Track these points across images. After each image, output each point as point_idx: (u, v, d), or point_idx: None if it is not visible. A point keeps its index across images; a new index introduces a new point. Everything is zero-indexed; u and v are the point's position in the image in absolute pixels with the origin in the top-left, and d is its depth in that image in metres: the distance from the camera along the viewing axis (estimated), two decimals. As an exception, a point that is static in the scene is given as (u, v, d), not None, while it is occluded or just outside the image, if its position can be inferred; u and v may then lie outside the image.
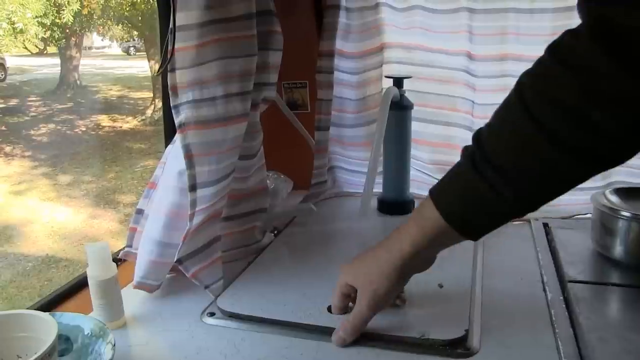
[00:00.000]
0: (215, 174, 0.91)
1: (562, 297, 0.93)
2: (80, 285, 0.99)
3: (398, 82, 1.28)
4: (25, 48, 9.78)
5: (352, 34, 1.34)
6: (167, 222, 0.92)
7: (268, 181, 1.20)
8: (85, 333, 0.76)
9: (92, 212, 5.62)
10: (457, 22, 1.28)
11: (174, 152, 0.94)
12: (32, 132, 8.16)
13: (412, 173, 1.37)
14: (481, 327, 0.84)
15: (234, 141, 0.93)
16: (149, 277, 0.94)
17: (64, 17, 7.39)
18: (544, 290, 0.96)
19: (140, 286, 0.94)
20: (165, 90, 1.01)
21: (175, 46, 0.85)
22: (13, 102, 9.81)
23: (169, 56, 0.85)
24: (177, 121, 0.87)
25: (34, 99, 9.97)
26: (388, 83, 1.30)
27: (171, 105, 0.87)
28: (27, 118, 8.86)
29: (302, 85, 1.42)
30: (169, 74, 0.86)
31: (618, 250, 1.03)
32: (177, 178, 0.90)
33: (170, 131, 1.10)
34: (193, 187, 0.89)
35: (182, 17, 0.84)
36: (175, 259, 0.92)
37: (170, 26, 0.84)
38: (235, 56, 0.90)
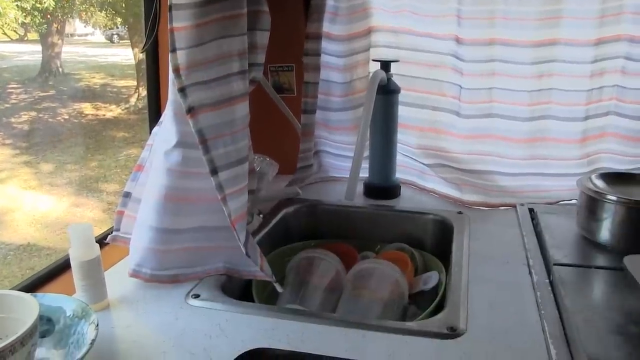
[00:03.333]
0: (235, 154, 0.89)
1: (547, 280, 0.93)
2: (63, 267, 0.97)
3: (385, 65, 1.28)
4: (5, 34, 9.60)
5: (339, 17, 1.33)
6: (161, 207, 0.89)
7: (254, 164, 1.19)
8: (67, 314, 0.75)
9: (75, 200, 5.55)
10: (445, 5, 1.27)
11: (161, 134, 0.92)
12: (12, 119, 8.03)
13: (399, 158, 1.37)
14: (468, 309, 0.84)
15: (242, 120, 0.91)
16: (144, 264, 0.92)
17: (45, 2, 7.26)
18: (530, 273, 0.96)
19: (135, 274, 0.92)
20: (150, 73, 0.99)
21: (174, 25, 0.82)
22: (-7, 89, 9.64)
23: (160, 36, 0.82)
24: (185, 105, 0.84)
25: (14, 86, 9.80)
26: (375, 67, 1.29)
27: (177, 88, 0.83)
28: (7, 105, 8.71)
29: (289, 69, 1.40)
30: (170, 55, 0.83)
31: (603, 233, 1.03)
32: (163, 159, 0.88)
33: (154, 114, 1.08)
34: (214, 171, 0.86)
35: None
36: (245, 252, 0.90)
37: (169, 3, 0.81)
38: (233, 35, 0.88)
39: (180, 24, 0.83)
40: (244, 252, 0.90)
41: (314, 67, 1.27)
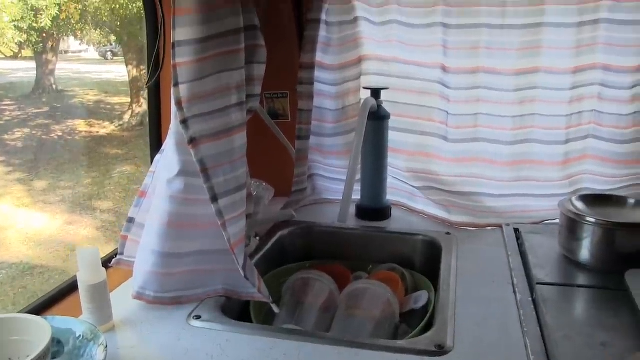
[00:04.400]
0: (234, 182, 0.94)
1: (530, 298, 0.98)
2: (68, 290, 1.01)
3: (375, 93, 1.33)
4: (0, 51, 9.63)
5: (331, 47, 1.39)
6: (164, 232, 0.94)
7: (251, 189, 1.24)
8: (77, 336, 0.79)
9: (69, 218, 5.55)
10: (432, 36, 1.34)
11: (164, 161, 0.97)
12: (6, 136, 8.02)
13: (389, 181, 1.42)
14: (455, 327, 0.89)
15: (241, 149, 0.97)
16: (147, 287, 0.96)
17: (42, 22, 7.32)
18: (514, 292, 1.01)
19: (139, 297, 0.97)
20: (151, 101, 1.04)
21: (176, 60, 0.88)
22: (-14, 106, 9.63)
23: (163, 72, 0.87)
24: (187, 136, 0.89)
25: (8, 102, 9.78)
26: (366, 94, 1.35)
27: (179, 120, 0.89)
28: (0, 122, 8.71)
29: (284, 96, 1.46)
30: (172, 89, 0.88)
31: (583, 253, 1.09)
32: (166, 186, 0.93)
33: (156, 141, 1.13)
34: (214, 198, 0.91)
35: (181, 32, 0.88)
36: (243, 274, 0.95)
37: (172, 41, 0.87)
38: (231, 69, 0.94)
39: (182, 59, 0.89)
40: (243, 274, 0.94)
41: (307, 95, 1.33)
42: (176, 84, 0.89)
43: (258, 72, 1.05)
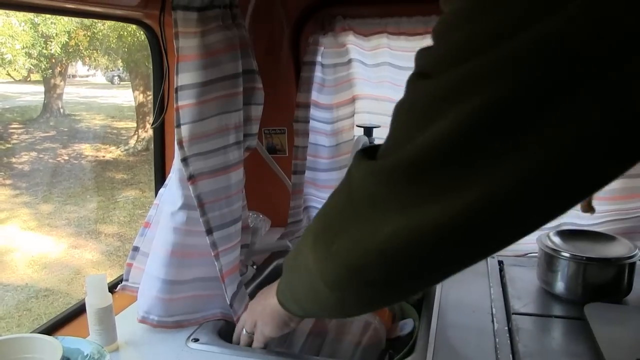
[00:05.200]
0: (229, 216, 1.03)
1: (506, 328, 1.05)
2: (76, 313, 1.09)
3: (368, 131, 1.42)
4: (9, 75, 9.80)
5: (326, 87, 1.48)
6: (168, 261, 1.02)
7: (249, 220, 1.32)
8: (85, 355, 0.87)
9: (74, 242, 5.61)
10: (421, 78, 1.42)
11: (167, 195, 1.06)
12: (13, 159, 8.12)
13: (381, 213, 1.50)
14: (434, 354, 0.96)
15: (237, 185, 1.06)
16: (152, 311, 1.04)
17: (51, 49, 7.50)
18: (492, 321, 1.08)
19: (144, 320, 1.04)
20: (156, 140, 1.14)
21: (179, 103, 0.97)
22: (-5, 129, 9.77)
23: (167, 114, 0.96)
24: (187, 173, 0.98)
25: (16, 126, 9.92)
26: (360, 131, 1.44)
27: (180, 158, 0.98)
28: (8, 145, 8.82)
29: (282, 132, 1.55)
30: (175, 130, 0.97)
31: (558, 285, 1.16)
32: (170, 219, 1.02)
33: (160, 175, 1.22)
34: (209, 231, 1.00)
35: (184, 77, 0.97)
36: (229, 302, 1.04)
37: (175, 86, 0.96)
38: (230, 111, 1.03)
39: (184, 102, 0.97)
40: (228, 302, 1.02)
41: (303, 133, 1.41)
42: (178, 125, 0.98)
43: (255, 113, 1.13)
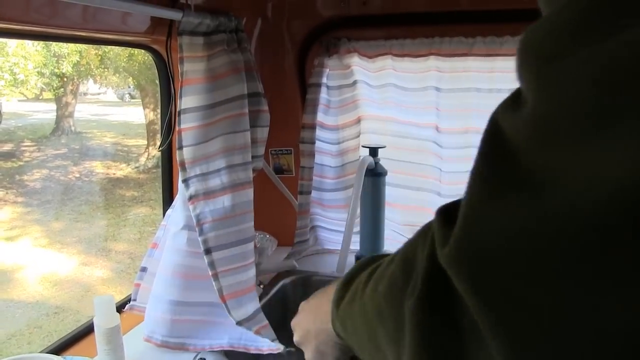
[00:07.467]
0: (234, 236, 1.04)
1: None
2: (85, 332, 1.10)
3: (373, 151, 1.43)
4: (21, 93, 9.92)
5: (332, 109, 1.50)
6: (172, 282, 1.04)
7: (255, 240, 1.33)
8: (93, 376, 0.88)
9: (84, 259, 5.64)
10: (425, 99, 1.44)
11: (173, 216, 1.07)
12: (25, 177, 8.19)
13: (386, 232, 1.51)
14: None
15: (244, 206, 1.06)
16: (156, 331, 1.05)
17: (63, 68, 7.61)
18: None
19: (149, 339, 1.06)
20: (164, 162, 1.16)
21: (182, 126, 0.99)
22: (7, 146, 9.85)
23: (175, 135, 0.98)
24: (187, 194, 1.00)
25: (28, 144, 10.01)
26: (365, 151, 1.45)
27: (181, 179, 1.00)
28: (20, 163, 8.90)
29: (288, 152, 1.57)
30: (177, 151, 0.99)
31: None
32: (173, 239, 1.04)
33: (168, 196, 1.24)
34: (208, 251, 1.01)
35: (187, 101, 0.99)
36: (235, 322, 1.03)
37: (178, 109, 0.98)
38: (236, 131, 1.05)
39: (187, 125, 0.99)
40: (234, 322, 1.02)
41: (309, 154, 1.43)
42: (180, 147, 1.00)
43: (261, 135, 1.15)
